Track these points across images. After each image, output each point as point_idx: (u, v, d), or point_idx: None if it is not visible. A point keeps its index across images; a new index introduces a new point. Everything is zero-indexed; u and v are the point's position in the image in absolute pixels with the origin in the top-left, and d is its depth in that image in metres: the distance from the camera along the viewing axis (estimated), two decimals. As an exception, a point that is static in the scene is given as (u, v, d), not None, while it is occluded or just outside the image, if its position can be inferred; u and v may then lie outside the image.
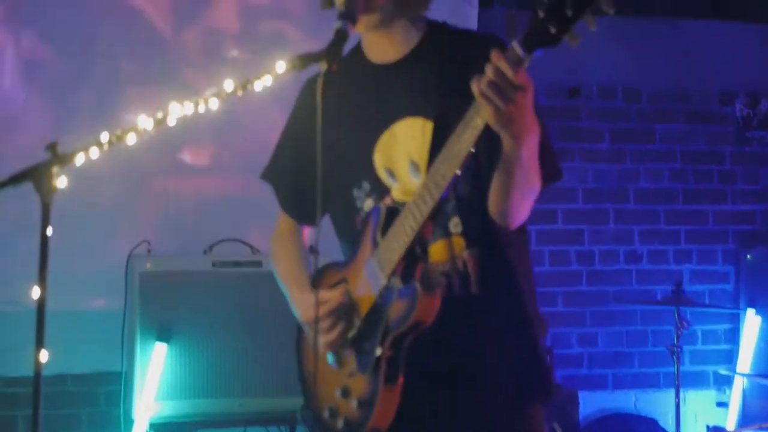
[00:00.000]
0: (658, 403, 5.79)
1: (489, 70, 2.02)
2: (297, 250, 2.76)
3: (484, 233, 2.42)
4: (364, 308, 2.43)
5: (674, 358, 4.52)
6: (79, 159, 2.00)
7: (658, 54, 6.01)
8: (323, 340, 2.47)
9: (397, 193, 2.46)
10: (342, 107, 2.49)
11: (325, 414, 2.51)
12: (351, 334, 2.46)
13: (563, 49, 6.02)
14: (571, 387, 5.70)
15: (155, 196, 4.87)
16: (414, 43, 2.52)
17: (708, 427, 4.10)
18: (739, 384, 5.73)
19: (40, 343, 2.02)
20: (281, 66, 2.24)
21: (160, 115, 2.10)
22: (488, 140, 2.16)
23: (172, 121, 2.12)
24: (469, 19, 5.46)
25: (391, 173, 2.47)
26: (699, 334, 6.01)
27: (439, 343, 2.36)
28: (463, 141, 2.14)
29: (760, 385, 5.63)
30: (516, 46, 2.00)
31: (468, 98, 2.21)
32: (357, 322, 2.44)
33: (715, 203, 6.09)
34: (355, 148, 2.45)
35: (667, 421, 5.60)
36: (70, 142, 2.00)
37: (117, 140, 2.07)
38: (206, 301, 4.23)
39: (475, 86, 2.04)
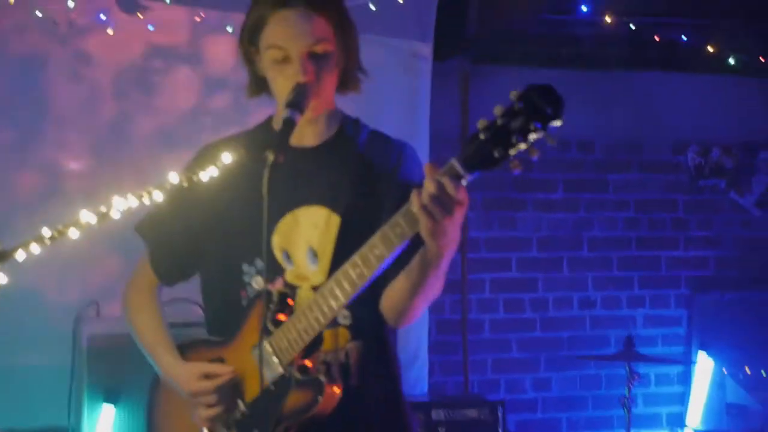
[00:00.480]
0: (611, 446, 5.92)
1: (431, 185, 2.03)
2: (159, 309, 2.70)
3: (371, 327, 2.47)
4: (250, 393, 2.44)
5: (625, 410, 4.64)
6: (20, 255, 2.05)
7: (613, 106, 6.12)
8: (203, 414, 2.47)
9: (290, 276, 2.47)
10: (247, 181, 2.42)
11: None
12: (235, 417, 2.46)
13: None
14: (525, 432, 5.83)
15: (105, 255, 4.87)
16: (331, 134, 2.57)
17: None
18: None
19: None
20: (227, 156, 2.30)
21: (103, 209, 2.12)
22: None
23: (116, 215, 2.12)
24: (422, 72, 5.53)
25: (288, 256, 2.48)
26: (652, 376, 6.12)
27: None
28: (387, 246, 2.16)
29: None
30: (456, 165, 2.01)
31: (374, 198, 2.36)
32: (241, 406, 2.45)
33: (668, 249, 6.20)
34: (253, 226, 2.35)
35: (619, 463, 5.73)
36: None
37: (59, 235, 2.09)
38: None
39: (416, 198, 2.06)
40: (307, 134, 2.52)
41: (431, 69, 5.57)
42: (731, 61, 6.12)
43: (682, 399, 6.12)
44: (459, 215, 2.06)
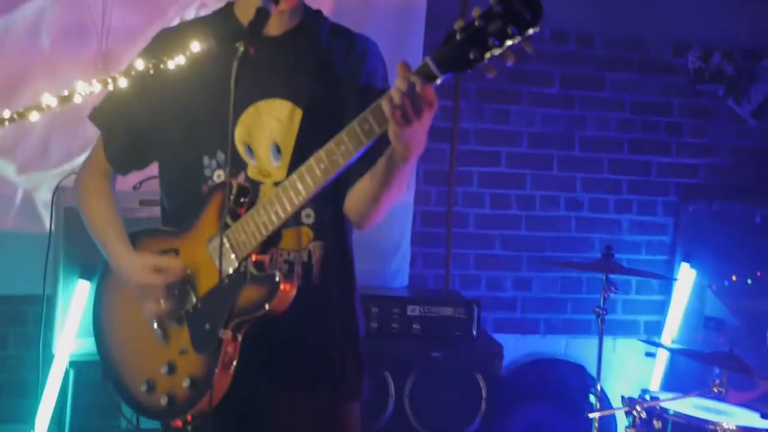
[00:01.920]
0: (587, 349, 5.85)
1: (403, 84, 1.99)
2: (112, 195, 2.63)
3: (333, 227, 2.45)
4: (203, 286, 2.37)
5: (599, 320, 4.54)
6: None
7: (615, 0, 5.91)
8: (152, 309, 2.41)
9: (252, 171, 2.42)
10: (212, 70, 2.38)
11: (141, 387, 2.45)
12: (186, 309, 2.40)
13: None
14: (502, 331, 5.76)
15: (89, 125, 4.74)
16: (294, 23, 2.48)
17: (623, 397, 4.14)
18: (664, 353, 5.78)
19: None
20: (195, 46, 2.20)
21: (65, 93, 2.07)
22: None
23: (77, 99, 2.09)
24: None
25: (250, 149, 2.42)
26: (633, 283, 6.05)
27: (268, 333, 2.34)
28: (354, 143, 2.12)
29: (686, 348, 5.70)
30: (430, 64, 1.98)
31: (336, 94, 2.32)
32: (193, 299, 2.39)
33: (660, 155, 6.08)
34: (216, 117, 2.34)
35: (595, 367, 5.67)
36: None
37: (19, 117, 2.09)
38: (132, 239, 4.15)
39: (386, 102, 2.02)
40: (271, 23, 2.42)
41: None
42: (741, -37, 5.95)
43: (662, 308, 6.06)
44: (428, 117, 2.05)
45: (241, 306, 2.28)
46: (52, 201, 4.29)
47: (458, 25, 1.94)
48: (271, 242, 2.32)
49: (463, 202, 5.79)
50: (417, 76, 1.98)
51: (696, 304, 5.81)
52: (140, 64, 2.15)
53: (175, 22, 4.78)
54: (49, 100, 2.04)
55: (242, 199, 2.32)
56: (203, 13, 4.83)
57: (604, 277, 4.52)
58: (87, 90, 2.06)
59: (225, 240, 2.31)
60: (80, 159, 4.67)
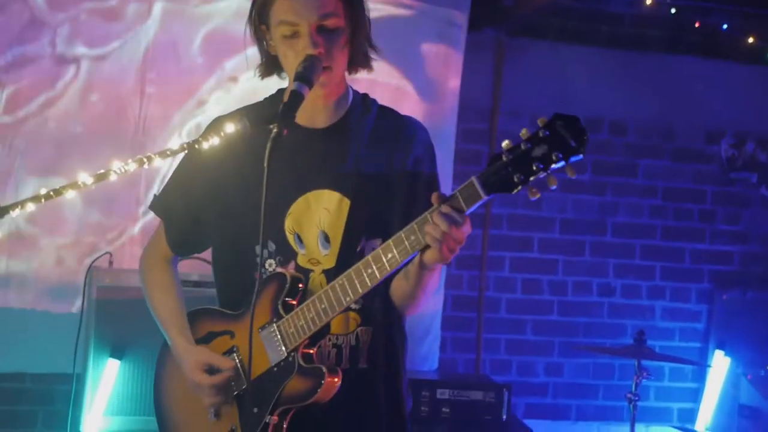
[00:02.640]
0: (619, 437, 5.80)
1: (442, 223, 2.12)
2: (175, 283, 2.72)
3: (380, 314, 2.51)
4: (254, 370, 2.44)
5: (631, 406, 4.49)
6: (15, 213, 2.05)
7: (648, 89, 5.97)
8: (205, 400, 2.51)
9: (302, 260, 2.49)
10: (256, 159, 2.38)
11: None
12: (236, 390, 2.49)
13: (550, 77, 6.01)
14: (533, 416, 5.70)
15: (122, 207, 4.83)
16: (341, 114, 2.54)
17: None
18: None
19: None
20: (230, 127, 2.25)
21: (101, 171, 2.13)
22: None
23: (113, 177, 2.14)
24: (457, 40, 5.42)
25: (300, 239, 2.48)
26: (666, 370, 5.99)
27: (315, 415, 2.41)
28: (401, 252, 2.22)
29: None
30: (476, 184, 2.09)
31: (384, 183, 2.41)
32: (244, 381, 2.48)
33: (693, 242, 6.06)
34: (269, 207, 2.39)
35: (627, 455, 5.61)
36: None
37: (56, 194, 2.13)
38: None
39: (430, 233, 2.15)
40: (319, 115, 2.51)
41: (466, 38, 5.45)
42: (772, 53, 5.99)
43: (696, 396, 5.99)
44: (464, 241, 2.19)
45: (288, 395, 2.37)
46: (85, 280, 4.34)
47: (506, 145, 2.03)
48: (319, 335, 2.40)
49: (495, 286, 5.79)
50: (449, 218, 2.14)
51: (731, 392, 5.74)
52: (174, 144, 2.21)
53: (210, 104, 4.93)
54: (84, 178, 2.09)
55: (293, 291, 2.42)
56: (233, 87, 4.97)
57: (636, 363, 4.48)
58: (122, 169, 2.11)
59: (276, 330, 2.41)
60: (111, 239, 4.77)
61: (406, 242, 2.20)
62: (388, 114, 2.59)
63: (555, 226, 5.87)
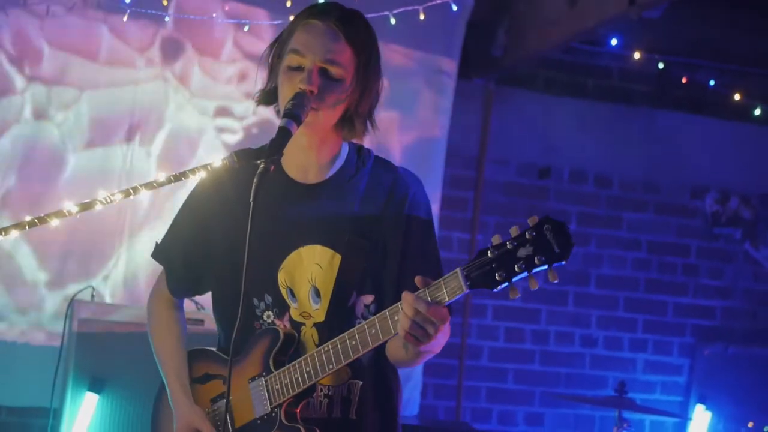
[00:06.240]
0: (599, 490, 5.77)
1: (409, 311, 2.14)
2: (178, 327, 2.74)
3: (372, 368, 2.52)
4: (240, 419, 2.51)
5: (610, 458, 4.48)
6: None
7: (634, 143, 6.03)
8: None
9: (294, 313, 2.51)
10: (246, 209, 2.41)
11: None
12: None
13: (537, 127, 6.06)
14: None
15: (106, 240, 4.84)
16: (335, 169, 2.54)
17: None
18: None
19: None
20: (217, 162, 2.26)
21: (86, 201, 2.16)
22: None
23: (98, 207, 2.15)
24: (445, 88, 5.48)
25: (292, 293, 2.51)
26: (647, 423, 5.99)
27: None
28: (384, 330, 2.25)
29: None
30: (460, 276, 2.12)
31: (376, 238, 2.44)
32: (230, 428, 2.52)
33: (676, 295, 6.08)
34: (263, 261, 2.48)
35: (607, 508, 5.59)
36: None
37: (40, 222, 2.13)
38: (142, 355, 4.16)
39: (401, 324, 2.17)
40: (312, 170, 2.53)
41: (455, 86, 5.51)
42: (757, 111, 6.05)
43: (677, 451, 5.98)
44: (440, 332, 2.20)
45: None
46: (67, 312, 4.34)
47: (495, 240, 2.09)
48: (304, 394, 2.44)
49: (477, 334, 5.79)
50: (424, 306, 2.13)
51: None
52: (161, 176, 2.23)
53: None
54: (70, 206, 2.11)
55: (285, 347, 2.47)
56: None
57: (617, 414, 4.47)
58: (108, 199, 2.14)
59: (264, 384, 2.46)
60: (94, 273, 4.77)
61: (389, 321, 2.23)
62: (382, 167, 2.60)
63: (539, 275, 5.86)
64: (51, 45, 4.81)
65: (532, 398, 5.87)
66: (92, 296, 4.53)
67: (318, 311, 2.48)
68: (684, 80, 6.02)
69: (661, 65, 5.92)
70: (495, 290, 2.09)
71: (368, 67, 2.46)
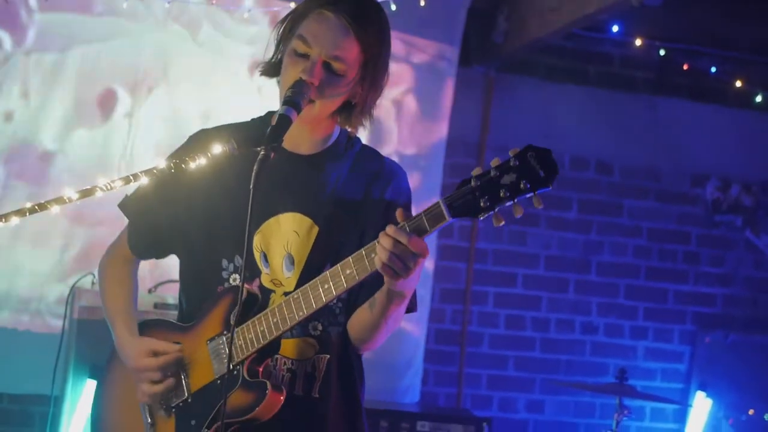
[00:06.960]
0: (599, 476, 5.77)
1: (387, 242, 2.11)
2: (130, 283, 2.68)
3: (340, 343, 2.48)
4: (196, 382, 2.43)
5: (611, 445, 4.47)
6: None
7: (635, 130, 6.02)
8: (145, 389, 2.45)
9: (265, 279, 2.47)
10: (238, 175, 2.43)
11: None
12: (175, 401, 2.46)
13: (538, 114, 6.06)
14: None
15: (107, 227, 4.84)
16: (326, 145, 2.54)
17: None
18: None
19: None
20: (217, 148, 2.26)
21: (87, 187, 2.13)
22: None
23: (98, 194, 2.15)
24: (446, 75, 5.47)
25: (266, 258, 2.48)
26: (647, 410, 5.99)
27: None
28: (360, 269, 2.21)
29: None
30: (442, 206, 2.09)
31: (356, 215, 2.43)
32: (185, 392, 2.44)
33: (677, 283, 6.08)
34: (237, 222, 2.35)
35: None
36: None
37: (40, 209, 2.12)
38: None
39: (378, 256, 2.13)
40: (304, 142, 2.50)
41: (456, 73, 5.51)
42: (759, 98, 6.04)
43: (677, 437, 5.99)
44: (418, 267, 2.16)
45: (229, 408, 2.31)
46: (68, 300, 4.34)
47: (475, 172, 2.06)
48: (268, 351, 2.38)
49: (478, 321, 5.79)
50: (405, 236, 2.10)
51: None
52: (162, 163, 2.21)
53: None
54: (70, 193, 2.09)
55: (249, 306, 2.38)
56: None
57: (617, 401, 4.46)
58: (108, 186, 2.12)
59: (224, 343, 2.38)
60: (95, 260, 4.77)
61: (366, 260, 2.19)
62: (370, 153, 2.60)
63: (540, 262, 5.89)
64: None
65: (532, 385, 5.87)
66: (93, 284, 4.53)
67: (289, 279, 2.45)
68: (685, 67, 6.00)
69: (662, 52, 5.91)
70: (480, 218, 2.06)
71: (376, 64, 2.45)
